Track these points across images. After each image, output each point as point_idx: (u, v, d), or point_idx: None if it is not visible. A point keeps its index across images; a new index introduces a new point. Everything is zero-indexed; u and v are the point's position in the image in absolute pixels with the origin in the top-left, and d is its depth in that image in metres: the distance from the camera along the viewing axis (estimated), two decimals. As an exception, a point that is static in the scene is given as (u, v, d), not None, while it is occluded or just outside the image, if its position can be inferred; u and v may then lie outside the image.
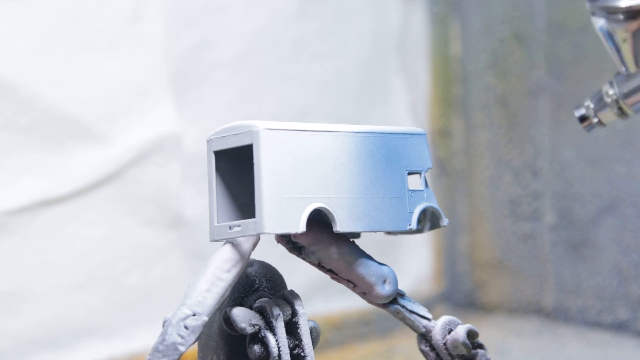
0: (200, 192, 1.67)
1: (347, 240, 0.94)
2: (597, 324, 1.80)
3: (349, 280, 0.95)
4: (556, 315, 1.86)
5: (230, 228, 0.91)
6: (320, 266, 0.94)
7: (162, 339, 0.83)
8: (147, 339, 1.63)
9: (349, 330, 1.83)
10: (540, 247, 1.87)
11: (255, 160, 0.88)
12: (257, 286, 0.93)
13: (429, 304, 1.87)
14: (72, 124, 1.54)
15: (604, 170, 1.77)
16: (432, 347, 0.99)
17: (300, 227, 0.89)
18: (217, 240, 0.91)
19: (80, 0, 1.54)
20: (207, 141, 0.90)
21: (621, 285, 1.76)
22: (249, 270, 0.94)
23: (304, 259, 0.94)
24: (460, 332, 0.97)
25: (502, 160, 1.92)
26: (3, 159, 1.50)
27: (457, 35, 1.97)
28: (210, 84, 1.67)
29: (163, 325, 0.86)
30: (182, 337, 0.84)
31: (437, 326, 0.99)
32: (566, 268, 1.84)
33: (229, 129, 0.89)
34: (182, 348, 0.83)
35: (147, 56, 1.61)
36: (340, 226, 0.91)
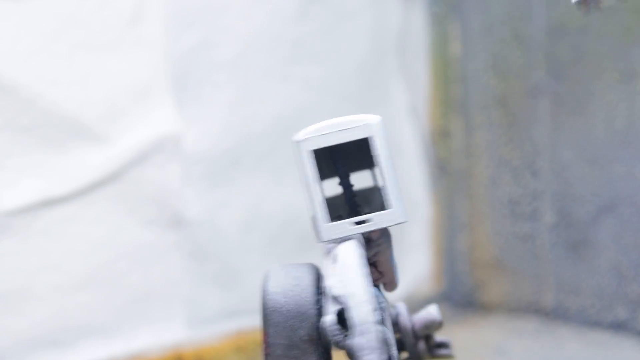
0: (201, 192, 1.67)
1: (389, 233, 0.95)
2: (596, 324, 1.80)
3: (381, 272, 0.95)
4: (555, 314, 1.87)
5: (352, 224, 0.89)
6: (373, 262, 0.94)
7: (375, 336, 0.83)
8: (147, 338, 1.63)
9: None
10: (540, 247, 1.88)
11: (377, 152, 0.88)
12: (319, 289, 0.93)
13: (428, 304, 1.87)
14: (73, 124, 1.55)
15: (603, 170, 1.77)
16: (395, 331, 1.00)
17: (408, 215, 0.90)
18: (329, 241, 0.89)
19: (81, 1, 1.54)
20: (299, 142, 0.89)
21: (620, 285, 1.76)
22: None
23: (370, 260, 0.93)
24: (434, 312, 0.98)
25: (502, 160, 1.92)
26: (4, 159, 1.50)
27: (457, 36, 1.97)
28: (210, 84, 1.68)
29: (326, 328, 0.85)
30: (383, 332, 0.84)
31: (403, 310, 1.00)
32: (565, 268, 1.84)
33: (333, 125, 0.90)
34: (389, 342, 0.84)
35: (148, 57, 1.61)
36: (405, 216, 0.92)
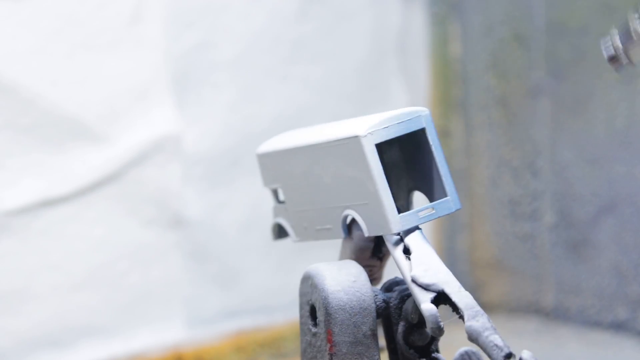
0: (201, 192, 1.67)
1: None
2: (596, 324, 1.80)
3: (380, 267, 0.97)
4: (556, 315, 1.86)
5: (419, 214, 0.91)
6: (383, 257, 0.96)
7: (487, 318, 0.85)
8: (147, 338, 1.63)
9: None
10: (540, 247, 1.88)
11: (432, 143, 0.91)
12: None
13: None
14: (72, 124, 1.55)
15: (603, 171, 1.77)
16: None
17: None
18: (400, 231, 0.90)
19: (80, 1, 1.54)
20: (364, 136, 0.89)
21: (620, 285, 1.76)
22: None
23: (383, 255, 0.95)
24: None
25: (502, 160, 1.92)
26: (4, 159, 1.50)
27: (457, 36, 1.97)
28: (211, 84, 1.68)
29: (429, 316, 0.85)
30: None
31: None
32: (566, 268, 1.84)
33: (390, 118, 0.91)
34: None
35: (148, 57, 1.61)
36: None
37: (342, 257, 1.00)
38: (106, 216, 1.58)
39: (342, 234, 0.95)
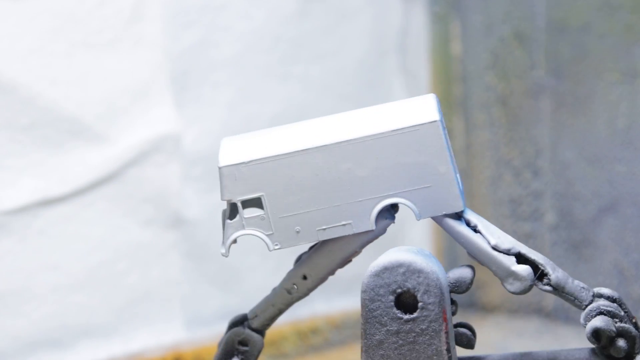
0: (200, 191, 1.67)
1: None
2: (597, 324, 1.79)
3: None
4: (556, 315, 1.86)
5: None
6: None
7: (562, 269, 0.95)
8: (146, 339, 1.63)
9: (349, 330, 1.82)
10: (541, 247, 1.87)
11: (445, 129, 0.97)
12: None
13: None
14: (72, 123, 1.54)
15: (604, 170, 1.77)
16: None
17: None
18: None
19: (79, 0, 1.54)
20: (440, 120, 0.95)
21: (622, 285, 1.76)
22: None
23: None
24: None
25: (503, 159, 1.92)
26: (3, 159, 1.50)
27: (458, 35, 1.96)
28: (210, 83, 1.67)
29: (527, 275, 0.95)
30: None
31: None
32: (566, 268, 1.83)
33: (436, 104, 0.97)
34: None
35: (147, 56, 1.61)
36: None
37: (338, 252, 1.00)
38: (105, 216, 1.58)
39: (371, 225, 0.98)
